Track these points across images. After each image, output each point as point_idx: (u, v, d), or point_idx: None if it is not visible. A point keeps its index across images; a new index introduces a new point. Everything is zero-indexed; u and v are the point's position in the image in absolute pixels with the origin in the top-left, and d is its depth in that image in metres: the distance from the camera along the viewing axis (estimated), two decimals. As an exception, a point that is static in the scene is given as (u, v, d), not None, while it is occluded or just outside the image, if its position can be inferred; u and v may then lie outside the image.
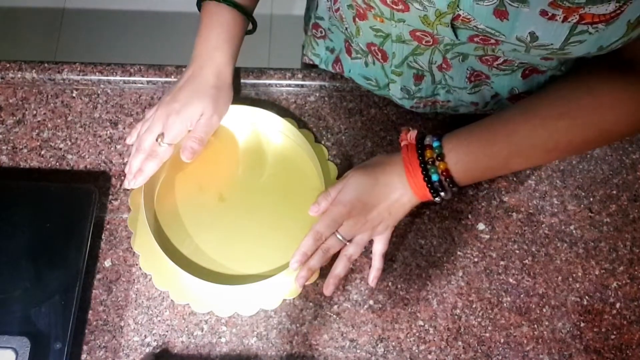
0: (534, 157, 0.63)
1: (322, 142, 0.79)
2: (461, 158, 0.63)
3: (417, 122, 0.81)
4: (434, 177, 0.63)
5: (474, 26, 0.51)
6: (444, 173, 0.63)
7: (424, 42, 0.62)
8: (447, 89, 0.71)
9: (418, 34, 0.60)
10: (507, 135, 0.61)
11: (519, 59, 0.62)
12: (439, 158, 0.62)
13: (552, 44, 0.50)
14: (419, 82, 0.71)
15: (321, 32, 0.82)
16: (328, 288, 0.68)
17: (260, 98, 0.82)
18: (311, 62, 0.90)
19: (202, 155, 0.74)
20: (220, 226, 0.72)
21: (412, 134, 0.66)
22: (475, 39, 0.55)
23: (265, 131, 0.78)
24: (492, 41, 0.53)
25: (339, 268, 0.68)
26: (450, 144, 0.63)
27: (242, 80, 0.81)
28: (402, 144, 0.66)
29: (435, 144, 0.63)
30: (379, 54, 0.69)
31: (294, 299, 0.71)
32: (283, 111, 0.81)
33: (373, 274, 0.69)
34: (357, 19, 0.67)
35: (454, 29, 0.53)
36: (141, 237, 0.72)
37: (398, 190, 0.66)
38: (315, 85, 0.82)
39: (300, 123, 0.80)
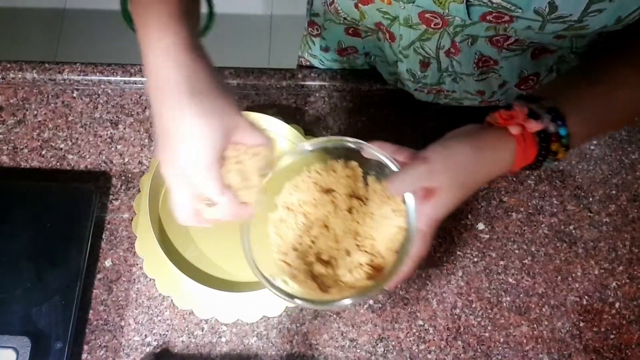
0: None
1: (322, 142, 0.79)
2: (581, 140, 0.55)
3: (416, 122, 0.81)
4: (547, 163, 0.55)
5: (489, 1, 0.51)
6: (557, 160, 0.54)
7: (432, 25, 0.61)
8: (454, 77, 0.71)
9: (427, 15, 0.59)
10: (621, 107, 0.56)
11: (530, 39, 0.61)
12: (564, 148, 0.53)
13: (570, 15, 0.49)
14: (425, 69, 0.70)
15: (317, 30, 0.82)
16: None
17: (260, 99, 0.82)
18: (307, 64, 0.89)
19: None
20: (224, 232, 0.72)
21: (528, 122, 0.52)
22: (488, 17, 0.54)
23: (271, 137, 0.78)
24: (506, 18, 0.53)
25: None
26: (576, 126, 0.53)
27: (242, 81, 0.81)
28: (513, 130, 0.52)
29: (563, 132, 0.52)
30: (387, 34, 0.69)
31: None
32: (283, 112, 0.81)
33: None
34: (360, 5, 0.66)
35: (467, 6, 0.53)
36: (145, 241, 0.72)
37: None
38: (315, 85, 0.82)
39: (306, 131, 0.80)
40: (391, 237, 0.59)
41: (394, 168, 0.55)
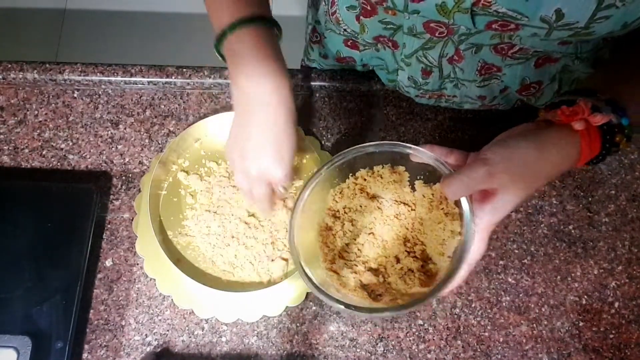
0: None
1: (322, 143, 0.79)
2: (637, 131, 0.55)
3: (416, 122, 0.81)
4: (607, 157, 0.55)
5: (495, 10, 0.50)
6: (618, 150, 0.54)
7: (437, 34, 0.61)
8: (455, 83, 0.71)
9: (432, 25, 0.59)
10: None
11: (534, 47, 0.61)
12: (627, 138, 0.53)
13: (577, 22, 0.49)
14: (427, 77, 0.70)
15: (317, 37, 0.83)
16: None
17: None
18: (307, 67, 0.90)
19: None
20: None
21: (594, 116, 0.52)
22: (494, 26, 0.54)
23: None
24: (512, 26, 0.52)
25: None
26: (635, 117, 0.53)
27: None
28: (577, 126, 0.53)
29: (625, 122, 0.53)
30: (390, 43, 0.69)
31: (294, 298, 0.71)
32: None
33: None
34: (361, 17, 0.66)
35: (473, 15, 0.52)
36: (145, 241, 0.72)
37: None
38: (316, 85, 0.82)
39: (306, 131, 0.80)
40: (443, 242, 0.57)
41: (446, 171, 0.53)
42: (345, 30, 0.72)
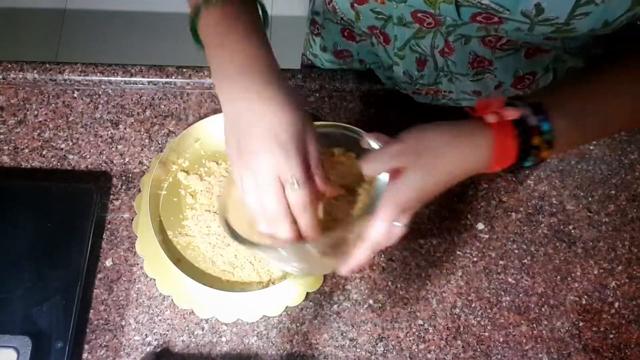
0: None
1: (322, 142, 0.80)
2: (568, 141, 0.53)
3: (416, 121, 0.81)
4: (528, 164, 0.52)
5: (478, 2, 0.51)
6: (541, 160, 0.52)
7: (425, 24, 0.62)
8: (450, 77, 0.71)
9: (419, 15, 0.60)
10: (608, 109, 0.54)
11: (521, 40, 0.62)
12: (547, 145, 0.51)
13: (557, 18, 0.49)
14: (422, 67, 0.71)
15: (317, 29, 0.83)
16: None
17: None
18: (309, 63, 0.90)
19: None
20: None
21: (505, 110, 0.51)
22: (478, 18, 0.54)
23: None
24: (496, 19, 0.53)
25: None
26: (561, 123, 0.51)
27: (242, 81, 0.81)
28: (489, 118, 0.51)
29: (546, 127, 0.50)
30: (381, 37, 0.69)
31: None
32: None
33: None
34: (355, 4, 0.67)
35: (457, 6, 0.53)
36: (145, 241, 0.72)
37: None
38: (315, 85, 0.82)
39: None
40: (361, 224, 0.58)
41: None
42: (342, 19, 0.73)
